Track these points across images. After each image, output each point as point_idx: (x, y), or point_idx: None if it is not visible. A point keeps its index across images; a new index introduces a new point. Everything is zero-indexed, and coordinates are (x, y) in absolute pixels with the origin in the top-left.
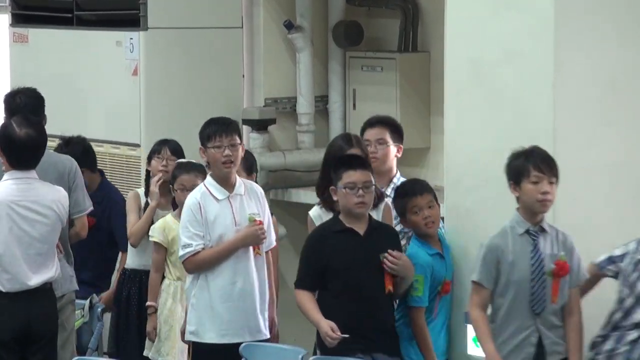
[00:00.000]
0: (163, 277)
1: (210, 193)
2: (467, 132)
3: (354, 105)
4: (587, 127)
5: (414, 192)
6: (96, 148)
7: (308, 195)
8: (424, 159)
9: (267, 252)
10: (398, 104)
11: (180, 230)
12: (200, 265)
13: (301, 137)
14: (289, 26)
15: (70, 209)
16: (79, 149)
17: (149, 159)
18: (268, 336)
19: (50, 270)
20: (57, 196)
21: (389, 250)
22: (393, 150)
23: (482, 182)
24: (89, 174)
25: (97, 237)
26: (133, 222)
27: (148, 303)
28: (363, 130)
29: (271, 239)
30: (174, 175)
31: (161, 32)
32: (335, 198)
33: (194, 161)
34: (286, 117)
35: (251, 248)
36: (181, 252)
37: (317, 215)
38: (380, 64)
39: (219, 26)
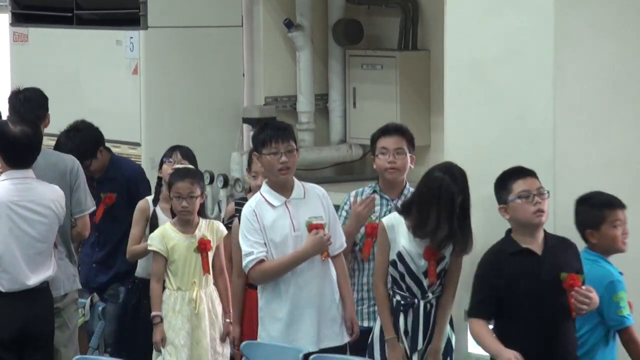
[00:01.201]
0: (164, 287)
1: (266, 200)
2: (467, 131)
3: (354, 103)
4: (587, 125)
5: (619, 204)
6: None
7: None
8: (424, 157)
9: (338, 255)
10: (398, 102)
11: (240, 240)
12: (265, 274)
13: (301, 135)
14: (289, 25)
15: (72, 208)
16: (92, 131)
17: (160, 164)
18: (338, 343)
19: (48, 270)
20: (54, 195)
21: (577, 289)
22: (408, 160)
23: (482, 180)
24: (106, 153)
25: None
26: (135, 237)
27: (153, 313)
28: (377, 137)
29: (341, 240)
30: (169, 182)
31: (161, 31)
32: (506, 217)
33: (190, 167)
34: (286, 116)
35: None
36: (244, 262)
37: (390, 225)
38: (380, 62)
39: (219, 25)
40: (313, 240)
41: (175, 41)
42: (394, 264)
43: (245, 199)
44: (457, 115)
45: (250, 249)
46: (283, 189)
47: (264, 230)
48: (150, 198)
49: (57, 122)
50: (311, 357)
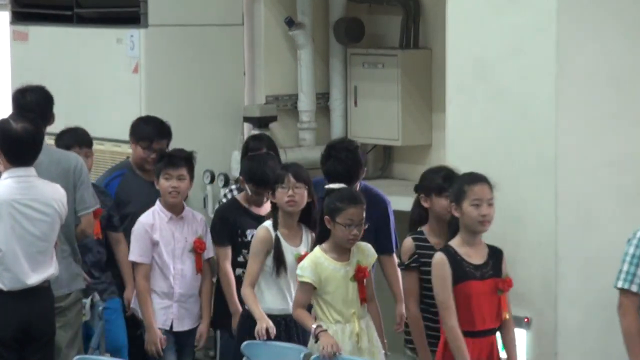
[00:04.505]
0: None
1: None
2: (469, 129)
3: (355, 102)
4: (590, 123)
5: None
6: (97, 146)
7: None
8: (426, 155)
9: None
10: (399, 101)
11: None
12: None
13: (302, 134)
14: (290, 23)
15: (76, 206)
16: None
17: (273, 190)
18: None
19: (49, 268)
20: (56, 193)
21: None
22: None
23: None
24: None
25: None
26: (254, 272)
27: (315, 324)
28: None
29: None
30: (337, 207)
31: (162, 30)
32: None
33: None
34: (287, 115)
35: None
36: None
37: None
38: (381, 60)
39: (220, 23)
40: None
41: (175, 39)
42: None
43: (422, 232)
44: (459, 114)
45: None
46: None
47: None
48: (268, 223)
49: (58, 120)
50: (312, 357)
